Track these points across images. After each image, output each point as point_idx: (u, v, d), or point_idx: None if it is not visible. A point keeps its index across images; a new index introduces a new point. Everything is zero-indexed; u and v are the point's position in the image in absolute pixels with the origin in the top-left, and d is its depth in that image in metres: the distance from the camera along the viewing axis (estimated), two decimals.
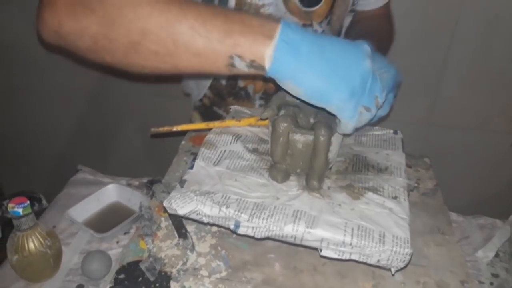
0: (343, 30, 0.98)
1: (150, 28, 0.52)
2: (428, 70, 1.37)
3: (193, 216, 0.60)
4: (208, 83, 1.01)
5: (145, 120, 1.64)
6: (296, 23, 0.89)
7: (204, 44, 0.52)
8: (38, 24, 0.58)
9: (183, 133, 0.85)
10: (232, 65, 0.54)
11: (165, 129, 0.75)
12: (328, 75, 0.53)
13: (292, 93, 0.55)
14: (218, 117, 1.04)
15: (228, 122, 0.76)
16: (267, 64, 0.52)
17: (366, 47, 0.55)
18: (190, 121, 1.11)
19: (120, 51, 0.55)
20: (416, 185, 0.78)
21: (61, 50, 0.60)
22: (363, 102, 0.55)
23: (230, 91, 1.00)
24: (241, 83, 0.98)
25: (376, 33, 0.94)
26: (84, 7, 0.54)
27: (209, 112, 1.07)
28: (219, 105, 1.05)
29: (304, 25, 0.90)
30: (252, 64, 0.53)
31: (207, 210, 0.58)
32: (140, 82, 1.49)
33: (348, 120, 0.56)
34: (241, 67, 0.54)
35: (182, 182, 0.63)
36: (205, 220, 0.60)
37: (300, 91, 0.54)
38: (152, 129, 0.75)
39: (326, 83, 0.53)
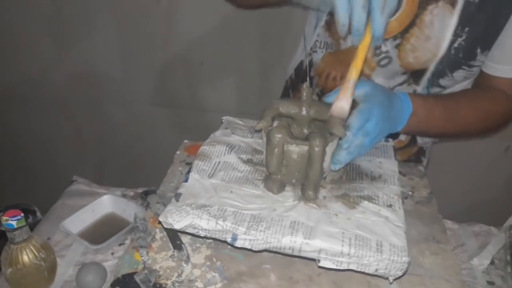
0: (428, 76, 0.84)
1: None
2: None
3: (189, 230, 0.60)
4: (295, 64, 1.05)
5: (140, 130, 1.63)
6: None
7: None
8: None
9: None
10: None
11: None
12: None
13: None
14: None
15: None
16: None
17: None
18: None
19: None
20: (410, 193, 0.78)
21: None
22: None
23: (304, 77, 1.00)
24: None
25: (483, 112, 0.83)
26: None
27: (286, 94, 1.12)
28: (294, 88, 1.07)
29: None
30: None
31: (204, 223, 0.58)
32: None
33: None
34: None
35: (177, 196, 0.63)
36: (202, 234, 0.60)
37: None
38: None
39: None
